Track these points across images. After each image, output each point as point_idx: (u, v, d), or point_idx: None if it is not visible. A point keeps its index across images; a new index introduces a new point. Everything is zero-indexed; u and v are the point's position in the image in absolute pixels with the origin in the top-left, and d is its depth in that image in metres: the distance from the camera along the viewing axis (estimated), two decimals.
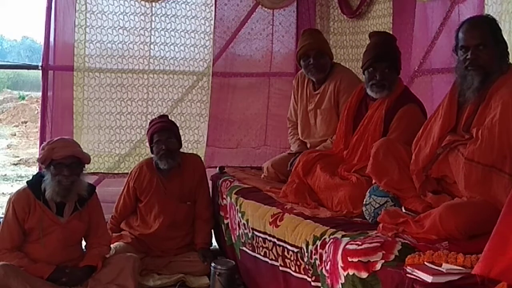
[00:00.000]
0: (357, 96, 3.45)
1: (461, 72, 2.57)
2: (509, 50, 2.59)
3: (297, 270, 2.93)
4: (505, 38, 2.59)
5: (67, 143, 3.41)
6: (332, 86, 3.84)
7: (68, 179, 3.29)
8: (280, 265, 3.10)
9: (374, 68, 3.22)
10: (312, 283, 2.74)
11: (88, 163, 3.47)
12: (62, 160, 3.28)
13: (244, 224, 3.52)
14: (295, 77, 4.22)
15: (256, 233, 3.37)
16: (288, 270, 3.02)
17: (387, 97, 3.22)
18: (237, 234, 3.69)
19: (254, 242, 3.41)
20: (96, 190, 3.60)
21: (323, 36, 4.11)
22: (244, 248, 3.59)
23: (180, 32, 4.84)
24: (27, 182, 3.44)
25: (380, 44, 3.28)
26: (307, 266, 2.81)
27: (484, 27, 2.53)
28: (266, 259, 3.26)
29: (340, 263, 2.36)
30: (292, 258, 2.97)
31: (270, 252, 3.21)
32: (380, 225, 2.54)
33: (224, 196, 4.01)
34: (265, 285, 3.31)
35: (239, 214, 3.60)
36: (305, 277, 2.85)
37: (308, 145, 4.03)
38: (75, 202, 3.40)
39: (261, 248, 3.32)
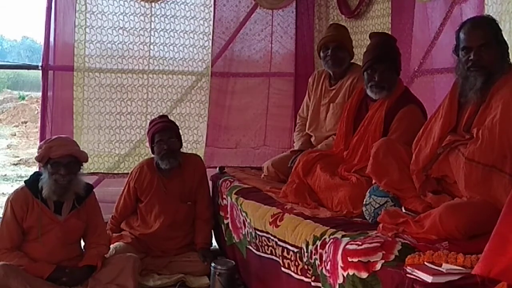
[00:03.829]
0: (358, 97, 3.46)
1: (462, 73, 2.56)
2: (509, 50, 2.59)
3: (296, 271, 2.93)
4: (505, 38, 2.59)
5: (64, 142, 3.40)
6: (349, 82, 3.83)
7: (65, 178, 3.28)
8: (282, 265, 3.09)
9: (373, 69, 3.22)
10: (312, 283, 2.73)
11: (86, 161, 3.46)
12: (59, 159, 3.28)
13: (248, 223, 3.52)
14: (311, 75, 4.20)
15: (258, 232, 3.36)
16: (288, 271, 3.01)
17: (387, 98, 3.23)
18: (243, 232, 3.66)
19: (257, 241, 3.40)
20: (96, 190, 3.61)
21: (348, 33, 4.07)
22: (250, 247, 3.56)
23: (180, 32, 4.85)
24: (25, 181, 3.44)
25: (380, 45, 3.29)
26: (306, 267, 2.81)
27: (486, 28, 2.53)
28: (272, 257, 3.23)
29: (340, 263, 2.36)
30: (291, 259, 2.96)
31: (275, 250, 3.20)
32: (380, 225, 2.53)
33: (224, 196, 4.01)
34: (270, 283, 3.30)
35: (243, 213, 3.59)
36: (303, 278, 2.85)
37: (313, 139, 4.02)
38: (73, 201, 3.40)
39: (266, 247, 3.30)
